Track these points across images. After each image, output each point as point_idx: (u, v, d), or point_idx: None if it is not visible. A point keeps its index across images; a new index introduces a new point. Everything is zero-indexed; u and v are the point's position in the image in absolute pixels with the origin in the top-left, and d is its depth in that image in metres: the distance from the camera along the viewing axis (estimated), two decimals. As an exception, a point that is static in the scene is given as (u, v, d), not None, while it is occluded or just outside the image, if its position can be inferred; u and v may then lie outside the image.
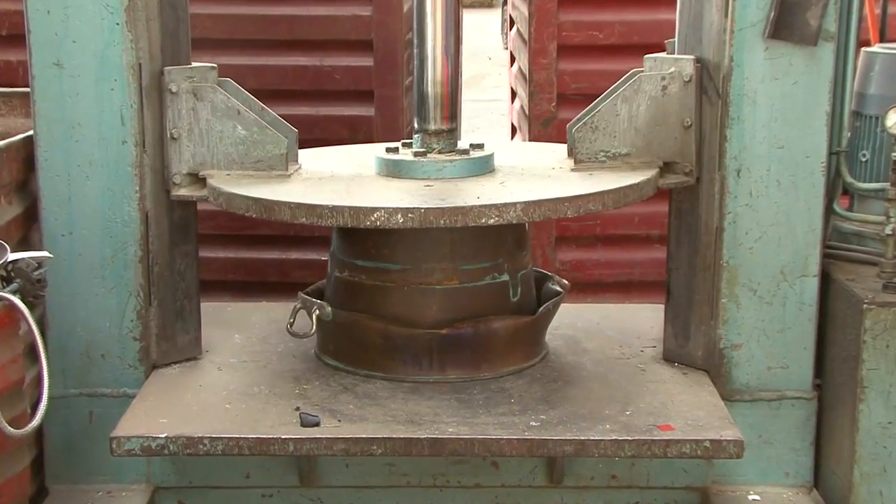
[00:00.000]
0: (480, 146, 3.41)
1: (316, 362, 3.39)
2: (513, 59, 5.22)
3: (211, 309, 3.70)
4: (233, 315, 3.76)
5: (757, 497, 3.32)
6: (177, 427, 2.97)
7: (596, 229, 4.43)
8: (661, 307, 3.48)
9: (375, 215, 2.88)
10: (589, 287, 4.32)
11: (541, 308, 3.35)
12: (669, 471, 3.36)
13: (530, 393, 3.17)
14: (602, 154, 3.31)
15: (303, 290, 3.36)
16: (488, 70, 13.36)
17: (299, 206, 2.95)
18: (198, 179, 3.29)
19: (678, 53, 3.33)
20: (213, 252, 4.30)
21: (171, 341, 3.38)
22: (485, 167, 3.32)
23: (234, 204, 3.08)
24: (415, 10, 3.31)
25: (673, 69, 3.26)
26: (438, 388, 3.20)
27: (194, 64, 3.32)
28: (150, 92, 3.21)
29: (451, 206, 2.89)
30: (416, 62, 3.34)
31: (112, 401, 3.30)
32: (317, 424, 2.98)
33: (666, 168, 3.30)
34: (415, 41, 3.34)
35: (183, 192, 3.29)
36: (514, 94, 5.25)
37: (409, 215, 2.87)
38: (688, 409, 3.07)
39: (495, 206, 2.90)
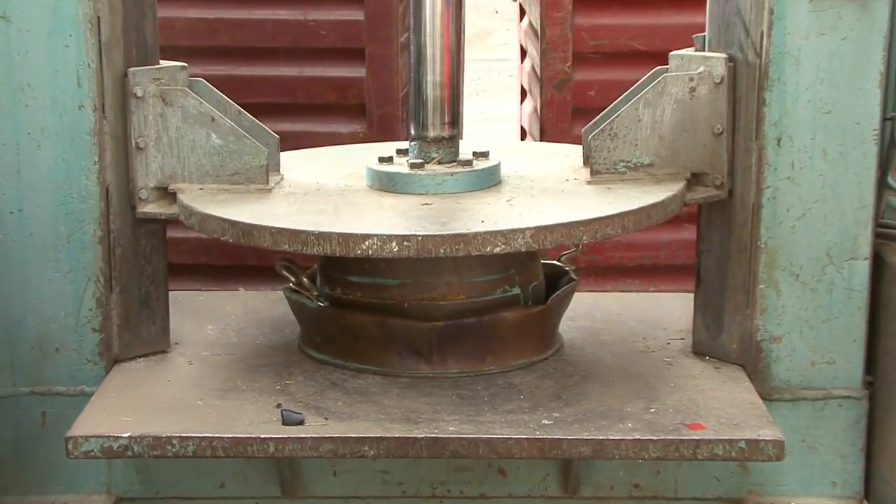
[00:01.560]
0: (485, 155, 3.45)
1: (300, 356, 3.43)
2: (522, 13, 5.25)
3: (180, 297, 3.76)
4: (205, 303, 3.81)
5: (798, 509, 3.36)
6: (142, 425, 3.01)
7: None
8: (691, 295, 3.52)
9: (367, 243, 2.93)
10: (608, 272, 4.33)
11: (552, 296, 3.40)
12: (700, 479, 3.40)
13: (542, 389, 3.22)
14: (622, 164, 3.35)
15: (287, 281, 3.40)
16: (494, 26, 13.30)
17: (281, 231, 2.99)
18: (167, 194, 3.34)
19: (709, 26, 3.35)
20: (184, 232, 4.30)
21: (135, 332, 3.42)
22: (490, 180, 3.37)
23: (208, 226, 3.13)
24: (411, 7, 3.34)
25: (702, 69, 3.28)
26: (438, 384, 3.25)
27: (162, 63, 3.36)
28: (110, 50, 3.25)
29: (452, 232, 2.94)
30: (412, 60, 3.37)
31: (68, 400, 3.34)
32: (301, 423, 3.01)
33: (694, 180, 3.35)
34: (411, 35, 3.37)
35: (150, 208, 3.33)
36: (523, 53, 5.28)
37: (405, 243, 2.92)
38: (720, 407, 3.11)
39: (501, 232, 2.94)
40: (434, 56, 3.33)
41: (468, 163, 3.38)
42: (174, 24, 4.18)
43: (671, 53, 3.38)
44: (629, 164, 3.35)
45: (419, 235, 2.93)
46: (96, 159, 3.27)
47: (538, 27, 4.47)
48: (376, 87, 4.30)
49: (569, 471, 3.38)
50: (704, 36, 3.39)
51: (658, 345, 3.53)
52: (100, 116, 3.26)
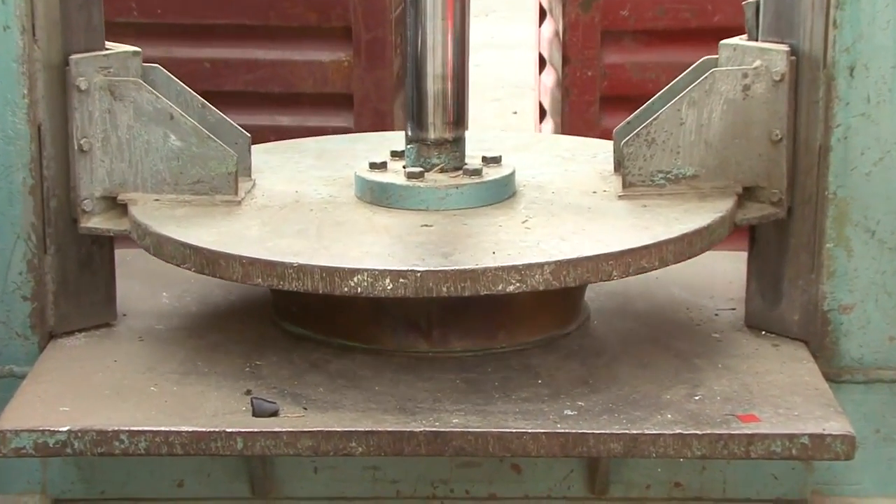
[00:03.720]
0: (496, 160, 3.44)
1: (273, 330, 3.42)
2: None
3: (129, 256, 3.73)
4: (159, 266, 3.74)
5: (873, 512, 3.38)
6: (83, 417, 3.00)
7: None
8: (744, 255, 3.51)
9: (356, 279, 2.94)
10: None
11: None
12: (754, 477, 3.41)
13: (564, 371, 3.21)
14: (660, 176, 3.35)
15: None
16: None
17: (254, 262, 3.00)
18: (116, 205, 3.34)
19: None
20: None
21: (75, 301, 3.41)
22: (502, 193, 3.37)
23: (165, 252, 3.14)
24: None
25: (758, 63, 3.27)
26: (440, 365, 3.24)
27: (109, 47, 3.33)
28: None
29: (457, 268, 2.95)
30: (409, 49, 3.35)
31: (-6, 382, 3.34)
32: (275, 413, 3.01)
33: (747, 194, 3.35)
34: (407, 18, 3.34)
35: (95, 222, 3.33)
36: (542, -37, 5.26)
37: (401, 280, 2.94)
38: (779, 394, 3.11)
39: (516, 268, 2.95)
40: (435, 43, 3.31)
41: (476, 172, 3.37)
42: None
43: (721, 43, 3.37)
44: (669, 176, 3.35)
45: (418, 271, 2.94)
46: (25, 92, 3.25)
47: (560, -69, 4.45)
48: (364, 6, 4.28)
49: (596, 467, 3.39)
50: (756, 3, 3.35)
51: (704, 316, 3.52)
52: (29, 40, 3.24)
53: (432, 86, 3.34)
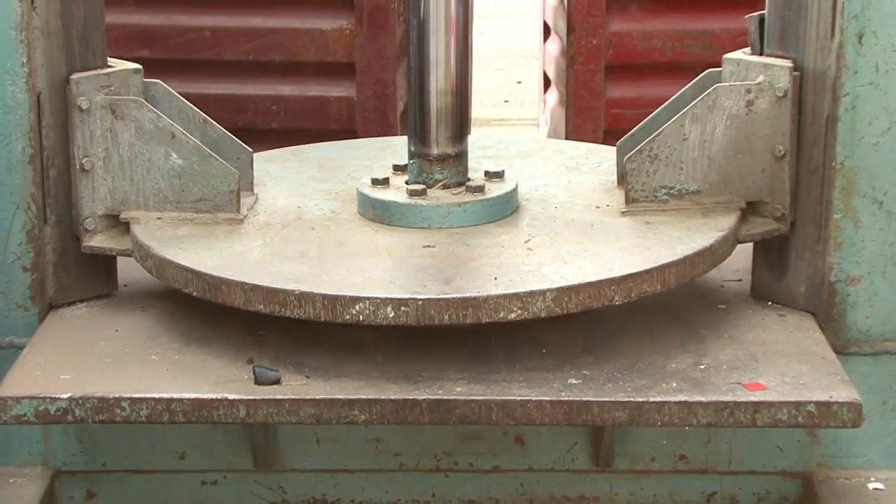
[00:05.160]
0: (499, 175, 3.46)
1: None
2: None
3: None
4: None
5: (880, 486, 3.38)
6: (84, 384, 3.02)
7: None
8: (751, 225, 3.52)
9: (357, 308, 2.98)
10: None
11: None
12: (759, 449, 3.43)
13: (569, 341, 3.23)
14: (664, 191, 3.38)
15: None
16: None
17: (256, 289, 3.04)
18: (118, 223, 3.36)
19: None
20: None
21: (75, 272, 3.43)
22: (505, 209, 3.40)
23: (167, 275, 3.18)
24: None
25: (762, 78, 3.29)
26: (443, 334, 3.24)
27: (112, 64, 3.36)
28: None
29: (459, 296, 2.98)
30: (412, 64, 3.37)
31: (-6, 353, 3.36)
32: (277, 382, 3.03)
33: (750, 209, 3.38)
34: (410, 33, 3.37)
35: (97, 241, 3.36)
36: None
37: (403, 308, 2.97)
38: (785, 363, 3.13)
39: (518, 295, 2.98)
40: (439, 58, 3.34)
41: (479, 188, 3.39)
42: None
43: (725, 57, 3.40)
44: (672, 191, 3.39)
45: (419, 299, 2.97)
46: (24, 60, 3.26)
47: None
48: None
49: (601, 439, 3.41)
50: (759, 17, 3.36)
51: (710, 287, 3.53)
52: (28, 7, 3.25)
53: (435, 101, 3.37)
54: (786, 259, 3.42)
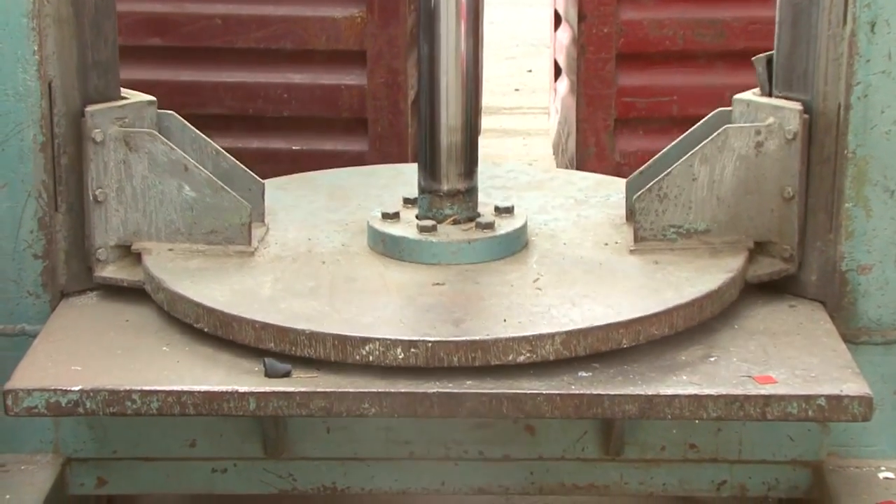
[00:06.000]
0: (509, 210, 3.46)
1: (286, 289, 3.45)
2: None
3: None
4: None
5: (890, 475, 3.37)
6: (95, 377, 3.01)
7: (671, 108, 4.44)
8: (762, 215, 3.50)
9: (367, 348, 2.97)
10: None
11: None
12: (770, 439, 3.41)
13: (579, 332, 3.22)
14: (672, 230, 3.38)
15: None
16: None
17: (266, 326, 3.03)
18: (129, 253, 3.37)
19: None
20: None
21: (87, 260, 3.42)
22: (514, 246, 3.40)
23: (178, 309, 3.18)
24: (420, 34, 3.33)
25: (772, 120, 3.29)
26: (453, 326, 3.26)
27: (126, 96, 3.36)
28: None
29: (468, 339, 2.97)
30: (422, 98, 3.38)
31: (5, 341, 3.36)
32: (287, 374, 3.02)
33: (758, 249, 3.37)
34: (421, 68, 3.37)
35: (109, 272, 3.37)
36: None
37: (412, 350, 2.96)
38: (795, 355, 3.11)
39: (527, 339, 2.98)
40: (449, 95, 3.35)
41: (489, 225, 3.39)
42: None
43: (735, 98, 3.41)
44: (681, 231, 3.39)
45: (429, 342, 2.97)
46: (36, 48, 3.26)
47: None
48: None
49: (611, 429, 3.39)
50: (766, 58, 3.36)
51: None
52: (40, -5, 3.24)
53: (445, 138, 3.38)
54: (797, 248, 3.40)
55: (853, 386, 2.98)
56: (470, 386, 2.97)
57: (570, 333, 3.01)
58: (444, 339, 2.98)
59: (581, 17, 4.56)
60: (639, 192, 3.41)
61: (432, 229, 3.37)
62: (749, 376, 3.01)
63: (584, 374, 3.02)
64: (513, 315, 3.09)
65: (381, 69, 4.68)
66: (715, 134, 3.35)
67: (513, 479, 3.47)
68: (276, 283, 3.25)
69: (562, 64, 5.47)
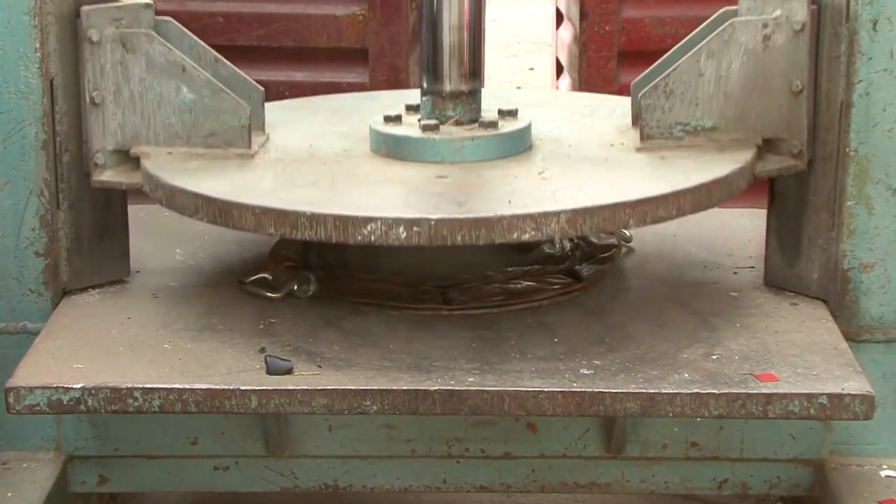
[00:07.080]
0: (513, 113, 3.43)
1: (288, 287, 3.43)
2: None
3: (142, 212, 3.73)
4: (172, 222, 3.76)
5: (892, 473, 3.36)
6: (97, 374, 3.01)
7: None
8: (763, 213, 3.51)
9: (369, 228, 2.93)
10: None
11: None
12: (771, 437, 3.41)
13: (580, 330, 3.21)
14: (679, 128, 3.33)
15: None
16: None
17: (266, 211, 2.99)
18: (128, 158, 3.33)
19: None
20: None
21: (88, 257, 3.42)
22: (518, 145, 3.35)
23: (177, 203, 3.13)
24: None
25: (779, 12, 3.26)
26: (455, 323, 3.24)
27: None
28: None
29: (472, 216, 2.94)
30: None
31: (7, 338, 3.35)
32: (289, 371, 3.01)
33: (766, 146, 3.33)
34: None
35: (107, 176, 3.33)
36: None
37: (415, 228, 2.92)
38: (798, 353, 3.10)
39: (531, 216, 2.93)
40: None
41: (492, 124, 3.35)
42: None
43: None
44: (687, 128, 3.34)
45: (431, 219, 2.92)
46: (38, 45, 3.25)
47: None
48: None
49: (612, 426, 3.39)
50: None
51: (722, 274, 3.52)
52: (41, -7, 3.24)
53: (448, 37, 3.32)
54: (799, 246, 3.40)
55: (855, 384, 2.97)
56: (471, 383, 2.96)
57: (575, 212, 2.96)
58: (447, 216, 2.94)
59: (583, 16, 4.54)
60: (644, 89, 3.37)
61: (435, 128, 3.32)
62: (751, 374, 3.00)
63: (586, 371, 3.01)
64: (517, 198, 3.05)
65: (382, 67, 4.68)
66: (721, 28, 3.30)
67: (514, 477, 3.46)
68: (277, 177, 3.21)
69: (564, 62, 5.46)
